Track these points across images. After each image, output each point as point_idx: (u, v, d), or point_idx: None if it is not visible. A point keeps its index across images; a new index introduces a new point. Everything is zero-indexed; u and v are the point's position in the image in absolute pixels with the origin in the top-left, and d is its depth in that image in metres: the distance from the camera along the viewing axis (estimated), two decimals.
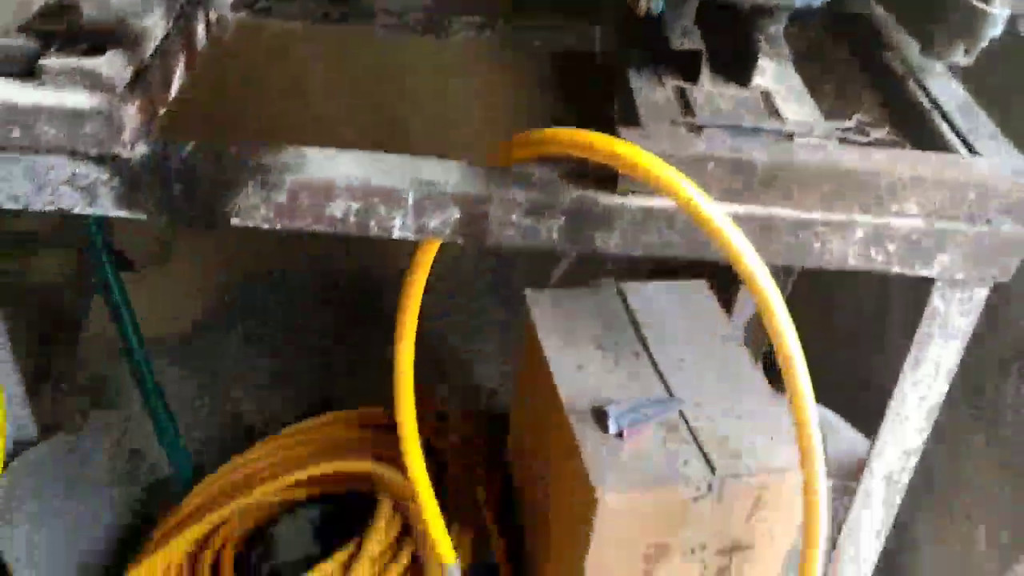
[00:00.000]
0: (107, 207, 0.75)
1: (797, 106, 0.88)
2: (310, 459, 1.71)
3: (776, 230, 0.81)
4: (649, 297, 1.43)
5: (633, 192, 0.80)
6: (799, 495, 1.21)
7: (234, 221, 0.77)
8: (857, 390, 1.52)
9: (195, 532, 1.59)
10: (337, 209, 0.78)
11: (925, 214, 0.81)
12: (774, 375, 1.06)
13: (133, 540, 1.71)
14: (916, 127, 0.94)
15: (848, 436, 1.64)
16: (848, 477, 1.57)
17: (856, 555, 1.02)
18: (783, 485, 1.17)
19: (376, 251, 2.45)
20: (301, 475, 1.64)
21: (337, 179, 0.77)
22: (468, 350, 2.34)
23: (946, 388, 0.90)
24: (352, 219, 0.78)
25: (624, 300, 1.42)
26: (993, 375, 1.42)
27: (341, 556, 1.42)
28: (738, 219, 0.80)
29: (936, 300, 0.86)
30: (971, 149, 0.85)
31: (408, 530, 1.48)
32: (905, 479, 0.96)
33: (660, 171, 0.74)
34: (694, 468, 1.16)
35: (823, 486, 0.85)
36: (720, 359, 1.33)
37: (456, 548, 1.49)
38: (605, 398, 1.24)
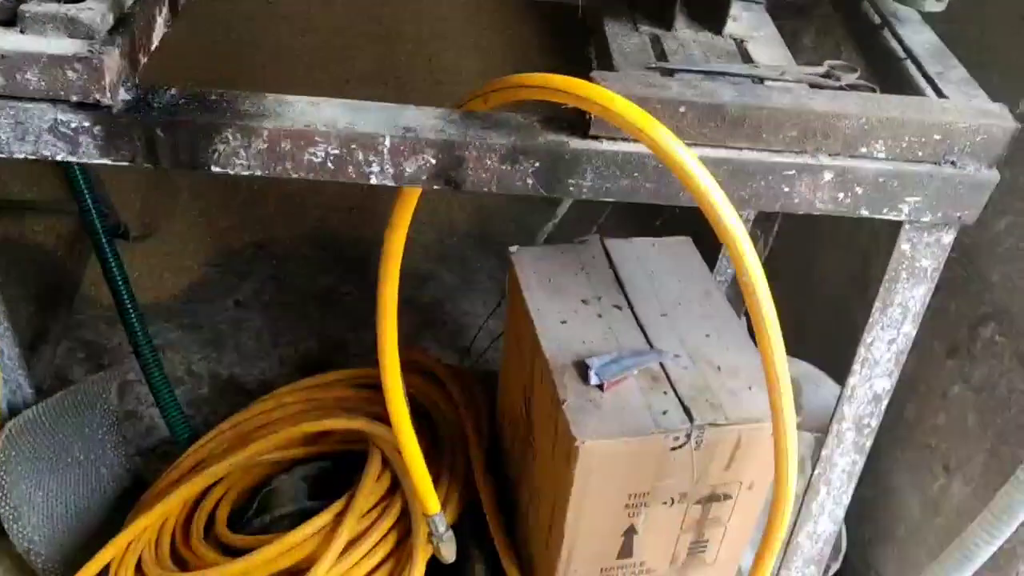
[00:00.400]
0: (90, 154, 0.77)
1: (769, 52, 0.89)
2: (304, 418, 1.74)
3: (746, 174, 0.82)
4: (634, 253, 1.45)
5: (606, 137, 0.82)
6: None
7: (215, 168, 0.79)
8: (841, 345, 1.54)
9: (192, 487, 1.62)
10: (316, 155, 0.79)
11: (892, 157, 0.82)
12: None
13: (130, 501, 1.74)
14: (888, 73, 0.95)
15: (831, 390, 1.67)
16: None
17: (828, 498, 1.04)
18: (762, 434, 1.19)
19: (368, 217, 2.48)
20: (294, 432, 1.66)
21: (317, 125, 0.78)
22: (463, 311, 2.37)
23: (914, 332, 0.92)
24: (331, 165, 0.80)
25: (608, 256, 1.44)
26: (968, 327, 1.45)
27: (331, 511, 1.44)
28: (708, 163, 0.81)
29: (903, 243, 0.87)
30: (940, 93, 0.87)
31: (398, 486, 1.51)
32: (875, 423, 0.98)
33: (630, 113, 0.75)
34: (673, 418, 1.18)
35: (792, 428, 0.87)
36: (702, 312, 1.36)
37: (446, 503, 1.53)
38: (587, 351, 1.26)
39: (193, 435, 1.86)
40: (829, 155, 0.82)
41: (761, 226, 1.52)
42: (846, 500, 1.04)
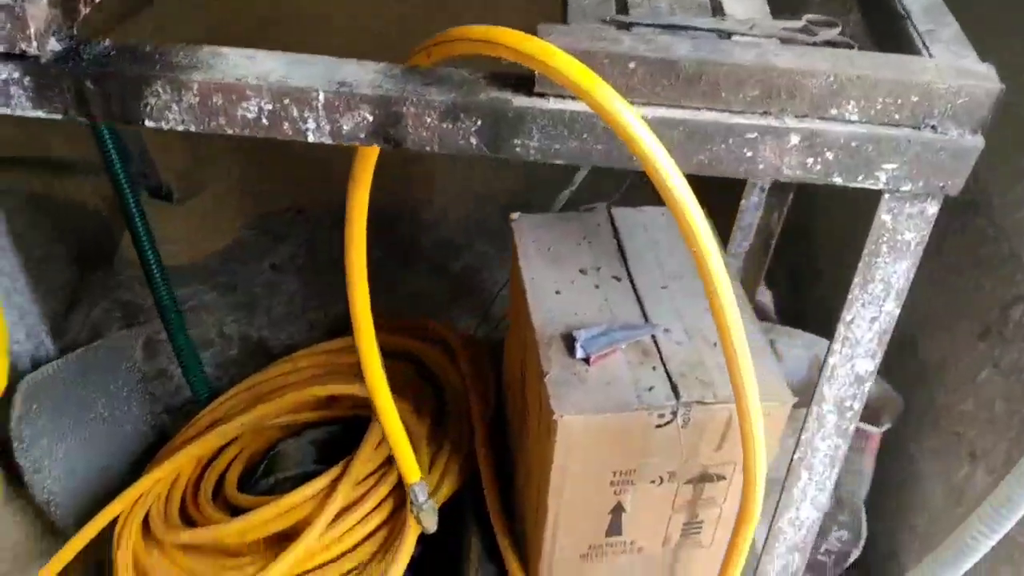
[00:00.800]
0: (22, 106, 0.76)
1: (744, 5, 0.83)
2: (316, 382, 1.74)
3: (704, 136, 0.77)
4: (641, 223, 1.40)
5: (552, 95, 0.77)
6: (774, 426, 1.18)
7: (148, 123, 0.77)
8: None
9: (202, 446, 1.64)
10: (250, 110, 0.77)
11: (865, 120, 0.75)
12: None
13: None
14: (887, 32, 0.88)
15: None
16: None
17: (810, 484, 0.98)
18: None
19: (398, 185, 2.46)
20: (302, 396, 1.67)
21: (248, 79, 0.76)
22: (496, 281, 2.34)
23: (897, 311, 0.85)
24: (265, 121, 0.77)
25: (613, 225, 1.39)
26: (1000, 308, 1.36)
27: (328, 476, 1.44)
28: (662, 123, 0.76)
29: (884, 214, 0.80)
30: (928, 52, 0.79)
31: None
32: (857, 406, 0.92)
33: (571, 70, 0.70)
34: (658, 394, 1.13)
35: (754, 408, 0.82)
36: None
37: (445, 473, 1.51)
38: (578, 323, 1.22)
39: (213, 395, 1.88)
40: (796, 116, 0.76)
41: (776, 196, 1.45)
42: (830, 485, 0.98)
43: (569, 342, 1.19)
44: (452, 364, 1.69)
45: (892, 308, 0.86)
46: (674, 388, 1.14)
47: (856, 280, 0.86)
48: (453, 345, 1.71)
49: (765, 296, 1.80)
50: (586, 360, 1.17)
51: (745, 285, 1.54)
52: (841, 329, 0.89)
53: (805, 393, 1.63)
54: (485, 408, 1.57)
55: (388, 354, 1.73)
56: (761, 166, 0.78)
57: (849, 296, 0.86)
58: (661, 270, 1.32)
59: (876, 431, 1.47)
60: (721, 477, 1.22)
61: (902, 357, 1.61)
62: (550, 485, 1.18)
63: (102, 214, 2.35)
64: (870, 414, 1.50)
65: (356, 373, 1.76)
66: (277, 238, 2.47)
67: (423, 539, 1.46)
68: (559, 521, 1.23)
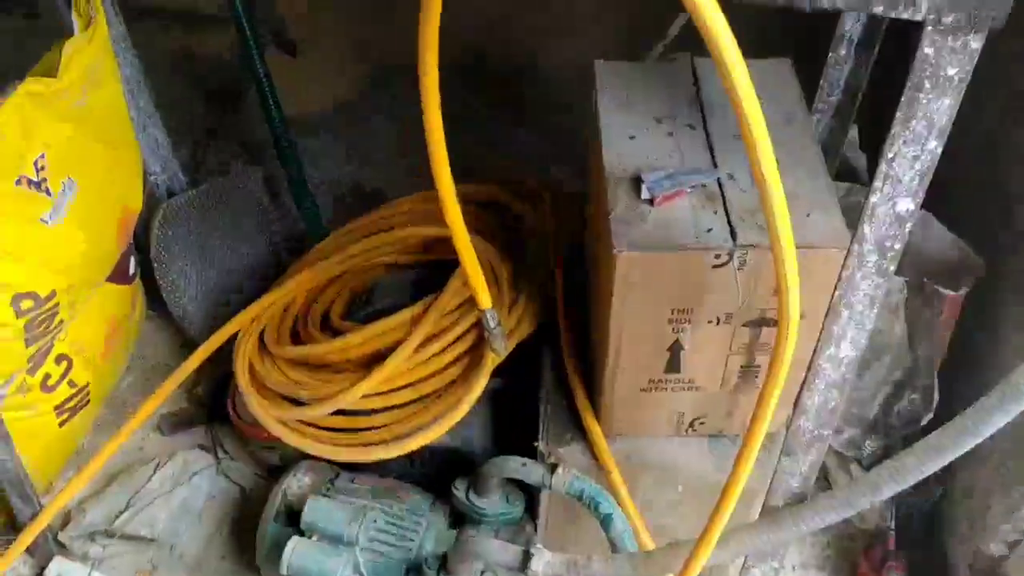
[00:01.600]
0: None
1: None
2: (416, 224, 1.85)
3: None
4: None
5: None
6: (830, 270, 1.20)
7: None
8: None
9: (314, 276, 1.80)
10: None
11: None
12: None
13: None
14: None
15: (938, 233, 1.56)
16: (933, 275, 1.51)
17: (850, 322, 1.02)
18: (813, 262, 1.15)
19: (513, 39, 2.48)
20: (401, 236, 1.79)
21: None
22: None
23: (939, 149, 0.86)
24: None
25: (695, 74, 1.39)
26: None
27: (421, 304, 1.56)
28: None
29: (926, 47, 0.80)
30: None
31: None
32: (898, 246, 0.94)
33: None
34: (716, 235, 1.17)
35: (789, 251, 0.86)
36: (779, 137, 1.28)
37: (524, 315, 1.61)
38: (648, 167, 1.26)
39: (326, 232, 2.03)
40: None
41: (863, 51, 1.41)
42: (868, 325, 1.01)
43: (636, 183, 1.23)
44: (537, 214, 1.76)
45: (934, 147, 0.87)
46: (732, 231, 1.17)
47: (898, 116, 0.87)
48: (541, 196, 1.78)
49: (861, 159, 1.77)
50: (651, 201, 1.21)
51: (830, 142, 1.53)
52: (883, 167, 0.91)
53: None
54: (563, 255, 1.64)
55: (480, 204, 1.84)
56: None
57: (891, 133, 0.88)
58: (735, 120, 1.32)
59: (954, 294, 1.46)
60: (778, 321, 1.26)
61: (996, 225, 1.57)
62: (611, 320, 1.26)
63: (234, 64, 2.50)
64: (949, 278, 1.49)
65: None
66: (389, 90, 2.56)
67: (504, 374, 1.59)
68: (621, 354, 1.31)
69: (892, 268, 0.99)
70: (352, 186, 2.36)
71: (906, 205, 0.93)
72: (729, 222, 1.19)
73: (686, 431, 1.44)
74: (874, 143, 1.88)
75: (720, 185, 1.24)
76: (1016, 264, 1.50)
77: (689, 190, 1.22)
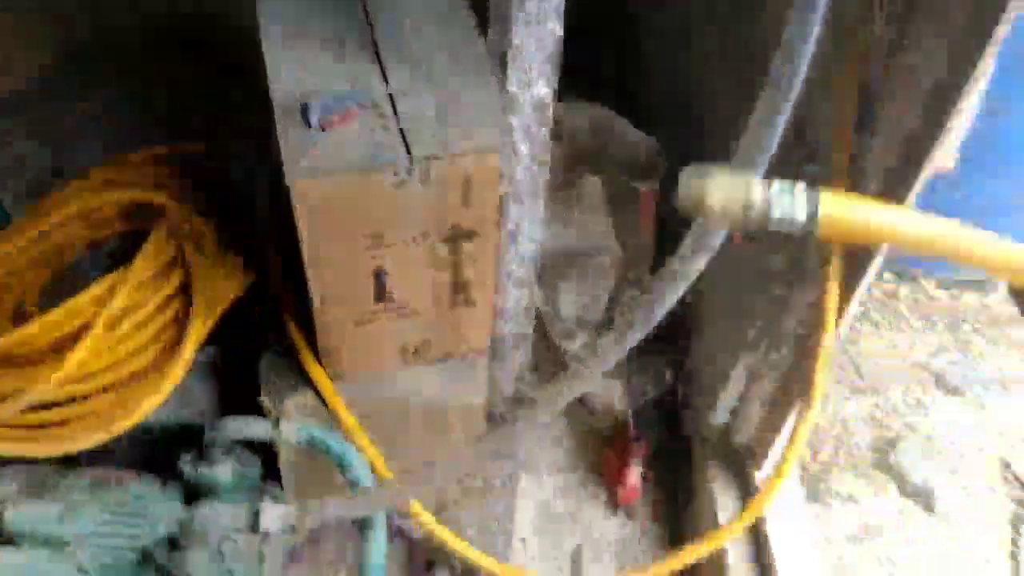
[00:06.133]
0: None
1: None
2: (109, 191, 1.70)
3: None
4: None
5: None
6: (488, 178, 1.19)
7: None
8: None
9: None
10: None
11: None
12: None
13: None
14: None
15: (630, 133, 1.63)
16: (627, 172, 1.57)
17: (522, 216, 1.02)
18: (483, 166, 1.15)
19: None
20: (87, 207, 1.64)
21: None
22: None
23: (560, 32, 0.86)
24: None
25: None
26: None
27: (109, 279, 1.44)
28: None
29: None
30: None
31: (181, 260, 1.50)
32: (544, 134, 0.95)
33: None
34: (393, 153, 1.14)
35: None
36: (450, 46, 1.28)
37: (232, 271, 1.53)
38: (317, 92, 1.20)
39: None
40: None
41: None
42: (540, 217, 1.02)
43: (306, 111, 1.18)
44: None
45: (554, 28, 0.87)
46: (407, 146, 1.15)
47: (513, 1, 0.86)
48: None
49: None
50: (322, 127, 1.17)
51: None
52: (511, 54, 0.90)
53: (587, 158, 1.68)
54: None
55: (184, 161, 1.72)
56: None
57: (510, 15, 0.87)
58: (407, 36, 1.30)
59: (646, 188, 1.53)
60: (476, 234, 1.26)
61: (681, 120, 1.66)
62: (305, 254, 1.21)
63: None
64: (641, 173, 1.56)
65: (141, 184, 1.74)
66: (90, 67, 2.33)
67: (226, 338, 1.50)
68: (324, 289, 1.26)
69: (547, 156, 1.00)
70: (49, 169, 2.14)
71: (543, 90, 0.93)
72: (403, 138, 1.16)
73: (413, 359, 1.42)
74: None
75: (392, 102, 1.21)
76: (696, 146, 1.59)
77: (360, 110, 1.19)
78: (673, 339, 1.78)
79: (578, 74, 1.85)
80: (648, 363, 1.80)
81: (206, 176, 1.71)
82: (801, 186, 0.45)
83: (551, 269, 1.78)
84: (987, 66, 0.87)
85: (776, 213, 0.44)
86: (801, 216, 0.44)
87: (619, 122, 1.59)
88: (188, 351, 1.40)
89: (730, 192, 0.43)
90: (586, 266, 1.72)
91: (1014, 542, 1.80)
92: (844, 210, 0.45)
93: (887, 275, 2.36)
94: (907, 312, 2.29)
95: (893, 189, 1.02)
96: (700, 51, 1.60)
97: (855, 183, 1.06)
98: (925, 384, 2.12)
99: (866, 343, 2.21)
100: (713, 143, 1.53)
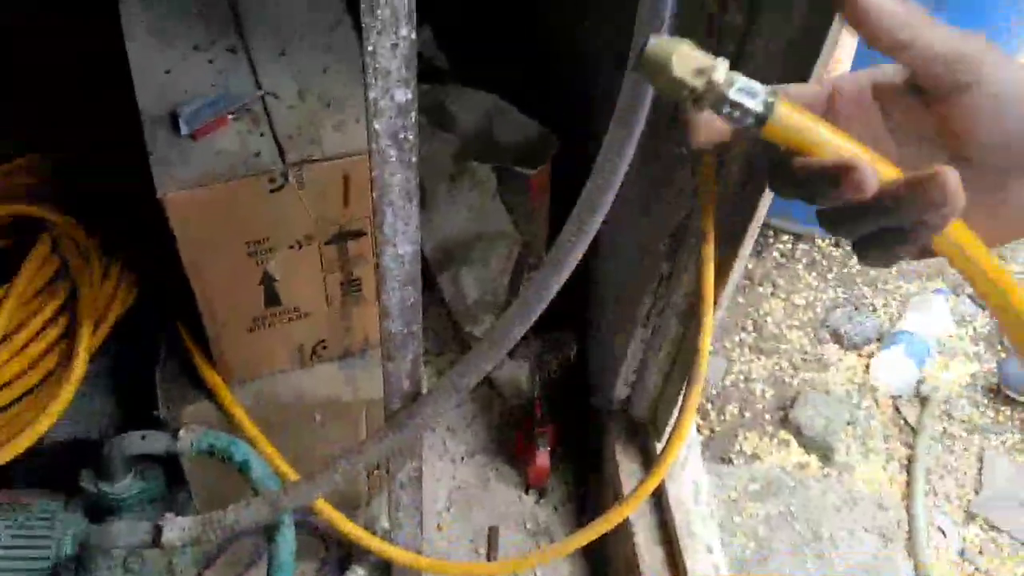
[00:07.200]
0: None
1: None
2: None
3: None
4: None
5: None
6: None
7: None
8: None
9: None
10: None
11: None
12: None
13: None
14: None
15: (516, 120, 1.64)
16: (515, 159, 1.58)
17: (396, 220, 1.03)
18: (362, 167, 1.16)
19: None
20: None
21: None
22: None
23: (413, 35, 0.86)
24: None
25: None
26: None
27: None
28: None
29: None
30: None
31: (66, 273, 1.46)
32: (412, 136, 0.95)
33: None
34: (265, 158, 1.14)
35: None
36: (325, 43, 1.27)
37: (122, 282, 1.50)
38: (187, 100, 1.18)
39: None
40: None
41: None
42: (415, 218, 1.02)
43: (175, 120, 1.16)
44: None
45: (407, 33, 0.87)
46: (281, 151, 1.14)
47: (363, 7, 0.86)
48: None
49: (441, 58, 1.81)
50: (192, 136, 1.15)
51: None
52: (367, 61, 0.90)
53: (478, 147, 1.68)
54: None
55: (62, 170, 1.67)
56: None
57: (363, 24, 0.87)
58: (278, 36, 1.28)
59: (533, 172, 1.55)
60: (362, 232, 1.27)
61: (569, 102, 1.68)
62: (186, 267, 1.19)
63: None
64: (528, 158, 1.57)
65: (32, 194, 1.68)
66: None
67: (116, 350, 1.48)
68: (212, 299, 1.25)
69: (414, 159, 1.00)
70: None
71: (403, 95, 0.93)
72: (277, 142, 1.16)
73: (311, 359, 1.42)
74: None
75: (265, 105, 1.20)
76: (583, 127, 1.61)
77: (232, 116, 1.17)
78: (577, 317, 1.82)
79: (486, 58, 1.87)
80: (553, 341, 1.84)
81: (86, 182, 1.66)
82: (760, 84, 0.49)
83: (454, 255, 1.80)
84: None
85: (733, 95, 0.47)
86: (758, 107, 0.48)
87: (507, 109, 1.60)
88: (78, 369, 1.37)
89: (695, 63, 0.47)
90: (486, 250, 1.73)
91: (907, 484, 1.90)
92: (796, 120, 0.49)
93: (784, 236, 2.44)
94: (803, 271, 2.37)
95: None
96: (591, 29, 1.62)
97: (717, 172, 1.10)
98: (823, 340, 2.20)
99: (766, 304, 2.28)
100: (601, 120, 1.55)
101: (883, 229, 0.48)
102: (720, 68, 0.45)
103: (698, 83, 0.46)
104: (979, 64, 0.48)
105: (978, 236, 0.48)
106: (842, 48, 1.00)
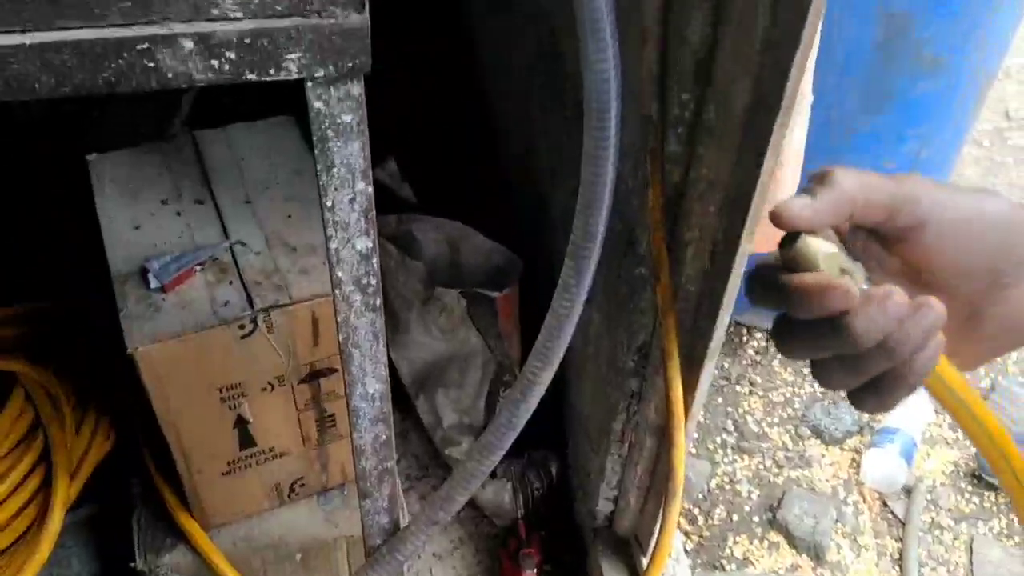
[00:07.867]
0: None
1: None
2: None
3: (96, 55, 0.76)
4: (225, 141, 1.40)
5: None
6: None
7: None
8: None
9: None
10: None
11: (250, 15, 0.77)
12: None
13: None
14: None
15: (481, 245, 1.69)
16: (481, 283, 1.62)
17: (365, 359, 1.05)
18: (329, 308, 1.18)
19: None
20: None
21: None
22: None
23: (370, 188, 0.90)
24: None
25: (196, 148, 1.38)
26: None
27: None
28: (44, 48, 0.75)
29: (315, 103, 0.84)
30: None
31: (40, 425, 1.46)
32: (374, 280, 0.98)
33: None
34: (234, 307, 1.16)
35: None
36: (288, 194, 1.32)
37: (96, 433, 1.49)
38: (157, 254, 1.22)
39: None
40: (181, 22, 0.77)
41: None
42: (383, 358, 1.04)
43: (144, 274, 1.19)
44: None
45: (364, 187, 0.91)
46: (249, 298, 1.17)
47: (319, 168, 0.90)
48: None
49: (406, 189, 1.86)
50: (161, 289, 1.17)
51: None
52: (327, 215, 0.93)
53: (446, 273, 1.72)
54: None
55: (32, 320, 1.68)
56: (171, 75, 0.79)
57: (320, 184, 0.90)
58: (244, 186, 1.33)
59: (500, 295, 1.58)
60: (333, 369, 1.28)
61: (532, 223, 1.73)
62: (159, 417, 1.20)
63: None
64: (495, 281, 1.61)
65: (5, 348, 1.69)
66: None
67: (94, 499, 1.46)
68: (185, 447, 1.26)
69: (378, 302, 1.03)
70: None
71: (364, 244, 0.96)
72: (245, 289, 1.18)
73: (289, 498, 1.42)
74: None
75: (232, 254, 1.23)
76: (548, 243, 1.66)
77: (199, 268, 1.20)
78: (557, 435, 1.82)
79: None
80: (535, 460, 1.83)
81: (58, 333, 1.68)
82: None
83: (429, 379, 1.81)
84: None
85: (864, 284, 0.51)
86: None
87: (472, 234, 1.64)
88: (54, 524, 1.36)
89: (840, 263, 0.51)
90: (460, 372, 1.75)
91: None
92: None
93: (758, 334, 2.47)
94: (779, 367, 2.39)
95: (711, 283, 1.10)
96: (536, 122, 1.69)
97: (675, 284, 1.13)
98: (804, 436, 2.21)
99: (745, 403, 2.29)
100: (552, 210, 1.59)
101: (879, 376, 0.48)
102: (859, 274, 0.49)
103: (835, 271, 0.49)
104: (916, 206, 0.49)
105: (959, 362, 0.50)
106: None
